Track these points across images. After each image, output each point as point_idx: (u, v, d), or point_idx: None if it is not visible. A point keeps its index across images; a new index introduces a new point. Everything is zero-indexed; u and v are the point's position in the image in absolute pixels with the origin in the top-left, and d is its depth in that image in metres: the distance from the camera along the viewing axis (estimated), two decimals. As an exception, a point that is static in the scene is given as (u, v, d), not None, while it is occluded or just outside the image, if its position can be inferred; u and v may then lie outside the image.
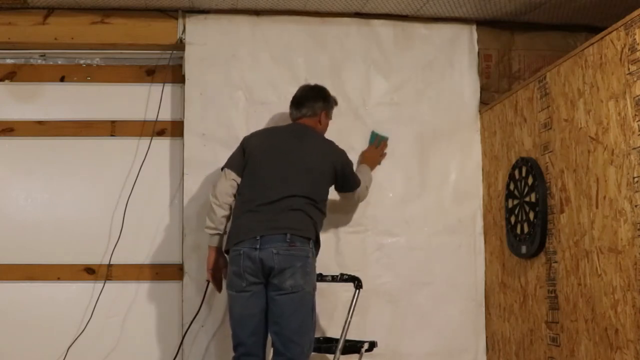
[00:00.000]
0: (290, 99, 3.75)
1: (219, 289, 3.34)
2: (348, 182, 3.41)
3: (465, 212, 3.90)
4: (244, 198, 3.19)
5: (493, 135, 3.80)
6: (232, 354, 3.14)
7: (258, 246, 3.02)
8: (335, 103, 3.54)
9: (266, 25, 3.87)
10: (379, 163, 3.83)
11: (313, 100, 3.38)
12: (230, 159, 3.30)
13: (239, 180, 3.23)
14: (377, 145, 3.83)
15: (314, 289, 3.10)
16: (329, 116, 3.46)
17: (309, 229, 3.10)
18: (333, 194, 3.44)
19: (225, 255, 3.24)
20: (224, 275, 3.31)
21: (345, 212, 3.80)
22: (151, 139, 3.87)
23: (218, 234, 3.25)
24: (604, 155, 2.76)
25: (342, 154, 3.36)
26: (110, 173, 3.88)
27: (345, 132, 3.80)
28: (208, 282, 3.56)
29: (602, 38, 2.77)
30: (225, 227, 3.25)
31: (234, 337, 3.11)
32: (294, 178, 3.15)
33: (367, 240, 3.81)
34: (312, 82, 3.54)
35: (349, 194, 3.50)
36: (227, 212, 3.22)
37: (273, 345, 3.08)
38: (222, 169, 3.29)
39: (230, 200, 3.22)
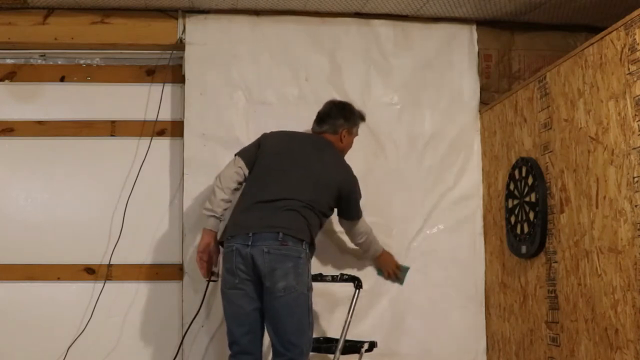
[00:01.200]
0: (290, 98, 3.77)
1: (207, 275, 3.26)
2: (349, 208, 3.36)
3: (465, 212, 3.90)
4: (244, 193, 3.20)
5: (493, 135, 3.80)
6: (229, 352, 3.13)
7: (250, 243, 3.00)
8: (362, 119, 3.52)
9: (266, 25, 3.87)
10: (385, 271, 3.71)
11: (334, 118, 3.38)
12: (244, 148, 3.33)
13: (246, 171, 3.23)
14: (399, 273, 3.72)
15: (309, 289, 3.07)
16: (352, 133, 3.45)
17: (303, 231, 3.07)
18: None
19: (220, 247, 3.22)
20: (214, 264, 3.26)
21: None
22: (151, 139, 3.87)
23: (214, 216, 3.20)
24: (604, 155, 2.76)
25: (352, 180, 3.32)
26: (110, 173, 3.88)
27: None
28: (208, 282, 3.54)
29: (602, 38, 2.77)
30: (223, 212, 3.22)
31: (229, 335, 3.10)
32: (297, 184, 3.14)
33: (367, 240, 3.81)
34: (337, 98, 3.57)
35: (347, 223, 3.44)
36: (227, 196, 3.19)
37: (272, 346, 3.07)
38: (235, 155, 3.30)
39: (233, 185, 3.21)
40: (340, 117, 3.39)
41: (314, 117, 3.78)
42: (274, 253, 2.98)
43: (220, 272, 3.23)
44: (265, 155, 3.24)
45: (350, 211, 3.38)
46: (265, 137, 3.36)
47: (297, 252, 3.02)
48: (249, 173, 3.24)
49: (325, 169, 3.22)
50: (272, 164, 3.21)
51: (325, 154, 3.28)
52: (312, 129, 3.44)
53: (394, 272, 3.71)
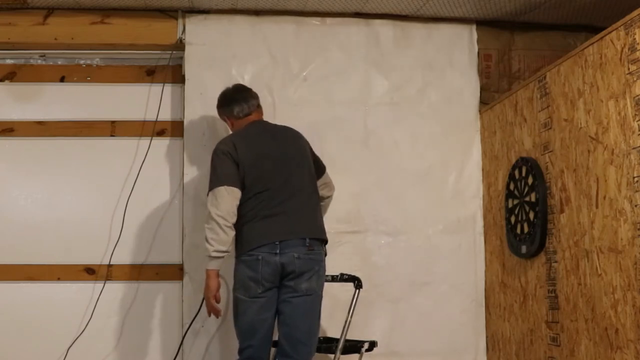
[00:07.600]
0: (290, 99, 3.77)
1: (219, 314, 3.17)
2: (317, 160, 3.37)
3: (465, 212, 3.90)
4: (252, 206, 3.09)
5: (493, 135, 3.80)
6: (237, 356, 3.09)
7: (278, 251, 3.00)
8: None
9: (266, 25, 3.87)
10: None
11: (250, 97, 3.33)
12: (226, 175, 3.09)
13: (240, 195, 3.08)
14: None
15: (322, 291, 3.13)
16: None
17: (321, 229, 3.16)
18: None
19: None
20: (217, 300, 3.12)
21: (346, 212, 3.80)
22: (151, 139, 3.87)
23: (224, 256, 3.06)
24: (604, 155, 2.76)
25: (305, 139, 3.35)
26: (110, 173, 3.88)
27: (345, 132, 3.81)
28: None
29: (602, 38, 2.77)
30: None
31: (242, 341, 3.06)
32: (292, 175, 3.14)
33: (367, 240, 3.81)
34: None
35: (322, 176, 3.38)
36: (235, 232, 3.06)
37: (279, 347, 3.05)
38: (219, 186, 3.07)
39: (236, 218, 3.06)
40: (252, 97, 3.34)
41: (313, 117, 3.78)
42: (303, 258, 3.03)
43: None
44: (251, 171, 3.11)
45: (319, 162, 3.39)
46: (233, 152, 3.13)
47: (321, 255, 3.11)
48: (244, 192, 3.11)
49: (294, 145, 3.24)
50: (263, 172, 3.12)
51: (280, 134, 3.27)
52: (241, 110, 3.29)
53: None
